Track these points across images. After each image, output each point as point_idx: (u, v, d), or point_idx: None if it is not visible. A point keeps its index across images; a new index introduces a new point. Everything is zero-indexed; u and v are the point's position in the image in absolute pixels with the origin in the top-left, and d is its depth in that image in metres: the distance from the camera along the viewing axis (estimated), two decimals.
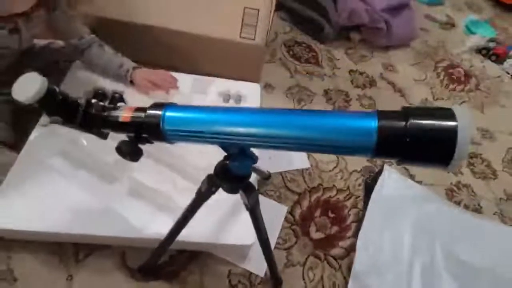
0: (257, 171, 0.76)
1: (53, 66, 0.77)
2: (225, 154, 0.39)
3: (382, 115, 0.25)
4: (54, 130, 0.64)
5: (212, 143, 0.35)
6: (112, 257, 0.64)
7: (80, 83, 0.77)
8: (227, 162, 0.38)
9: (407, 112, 0.25)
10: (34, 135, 0.65)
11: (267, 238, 0.55)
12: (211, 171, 0.42)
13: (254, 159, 0.37)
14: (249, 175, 0.41)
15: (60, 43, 0.78)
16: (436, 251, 0.63)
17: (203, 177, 0.45)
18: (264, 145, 0.32)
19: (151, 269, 0.63)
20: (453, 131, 0.23)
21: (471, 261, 0.61)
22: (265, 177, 0.79)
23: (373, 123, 0.25)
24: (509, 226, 0.82)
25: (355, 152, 0.27)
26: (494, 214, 0.87)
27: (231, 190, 0.43)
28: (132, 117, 0.36)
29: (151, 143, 0.38)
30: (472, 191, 0.91)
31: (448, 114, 0.23)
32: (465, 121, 0.23)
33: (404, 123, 0.24)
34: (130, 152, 0.36)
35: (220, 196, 0.68)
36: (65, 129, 0.40)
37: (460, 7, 1.56)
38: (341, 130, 0.26)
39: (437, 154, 0.24)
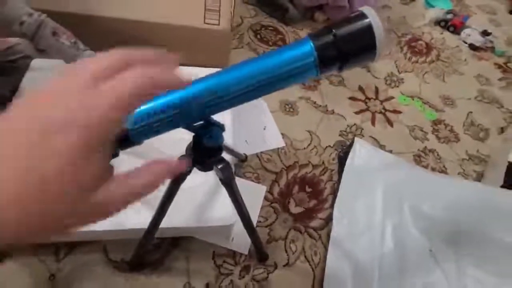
0: (234, 153, 0.77)
1: (8, 66, 0.73)
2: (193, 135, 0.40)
3: (312, 36, 0.31)
4: None
5: (175, 124, 0.35)
6: (94, 252, 0.64)
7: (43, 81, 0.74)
8: (197, 137, 0.39)
9: (330, 26, 0.31)
10: None
11: (248, 213, 0.57)
12: None
13: (221, 126, 0.39)
14: (221, 146, 0.42)
15: (13, 40, 0.74)
16: (404, 211, 0.67)
17: None
18: (223, 104, 0.33)
19: (139, 261, 0.64)
20: (368, 26, 0.29)
21: (436, 214, 0.66)
22: (242, 159, 0.81)
23: (309, 46, 0.30)
24: (470, 181, 0.88)
25: (303, 74, 0.32)
26: (458, 174, 0.93)
27: (205, 167, 0.44)
28: None
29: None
30: (438, 154, 0.97)
31: (360, 15, 0.30)
32: (374, 16, 0.29)
33: (332, 35, 0.30)
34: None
35: (196, 181, 0.70)
36: None
37: None
38: (286, 63, 0.31)
39: (364, 48, 0.30)
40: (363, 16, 0.30)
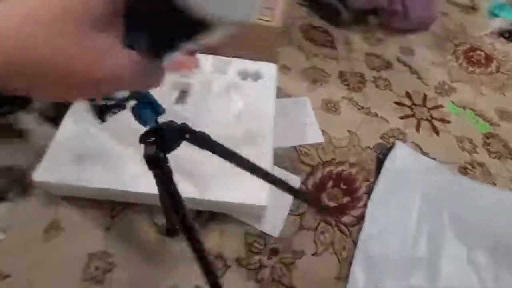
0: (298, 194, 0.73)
1: None
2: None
3: None
4: None
5: None
6: (142, 213, 0.72)
7: None
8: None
9: None
10: None
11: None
12: None
13: (158, 109, 0.34)
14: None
15: None
16: (443, 217, 0.65)
17: None
18: None
19: (174, 228, 0.70)
20: None
21: (477, 223, 0.63)
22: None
23: None
24: None
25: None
26: (509, 190, 0.87)
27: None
28: None
29: None
30: (487, 169, 0.91)
31: None
32: None
33: None
34: None
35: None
36: None
37: None
38: None
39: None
40: None
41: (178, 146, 0.40)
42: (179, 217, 0.46)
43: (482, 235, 0.62)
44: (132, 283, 0.64)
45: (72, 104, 0.74)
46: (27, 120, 0.79)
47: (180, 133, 0.40)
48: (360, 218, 0.77)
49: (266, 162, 0.73)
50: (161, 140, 0.37)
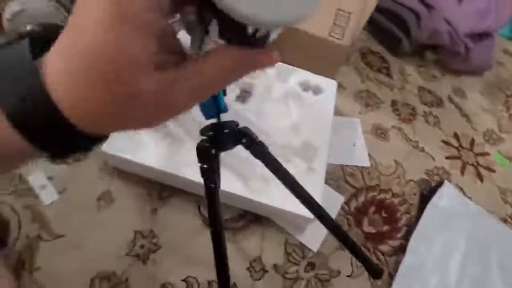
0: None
1: None
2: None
3: None
4: None
5: None
6: (190, 202, 0.73)
7: None
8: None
9: None
10: None
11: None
12: None
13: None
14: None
15: None
16: (491, 262, 0.65)
17: None
18: None
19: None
20: None
21: None
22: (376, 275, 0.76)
23: None
24: None
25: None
26: None
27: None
28: None
29: None
30: None
31: None
32: None
33: None
34: None
35: (291, 166, 0.75)
36: None
37: None
38: None
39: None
40: None
41: (233, 148, 0.40)
42: (210, 215, 0.46)
43: None
44: (172, 269, 0.65)
45: None
46: None
47: (238, 135, 0.40)
48: (398, 250, 0.77)
49: (318, 178, 0.74)
50: (217, 137, 0.38)
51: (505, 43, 1.45)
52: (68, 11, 0.68)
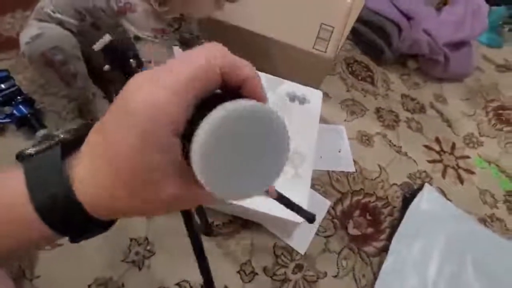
0: (302, 212, 0.81)
1: None
2: None
3: None
4: None
5: None
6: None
7: None
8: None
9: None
10: None
11: None
12: None
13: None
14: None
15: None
16: (466, 263, 0.69)
17: None
18: None
19: (208, 228, 0.75)
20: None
21: (500, 273, 0.67)
22: (309, 221, 0.83)
23: None
24: None
25: None
26: None
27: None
28: None
29: None
30: (505, 225, 0.95)
31: None
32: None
33: None
34: None
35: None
36: None
37: None
38: None
39: None
40: None
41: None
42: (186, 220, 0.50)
43: (504, 286, 0.66)
44: (167, 274, 0.69)
45: None
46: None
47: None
48: (381, 250, 0.81)
49: (304, 183, 0.78)
50: None
51: (484, 50, 1.52)
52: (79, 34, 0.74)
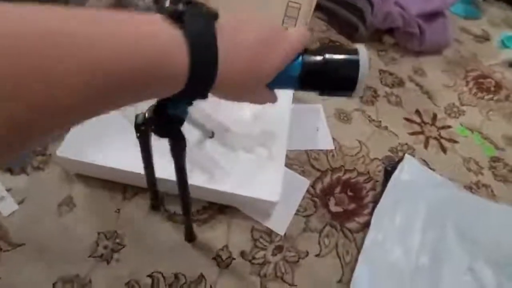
0: (203, 128, 0.78)
1: None
2: None
3: (304, 52, 0.36)
4: None
5: None
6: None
7: None
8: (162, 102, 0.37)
9: (324, 49, 0.36)
10: None
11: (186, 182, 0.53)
12: None
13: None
14: (182, 119, 0.38)
15: None
16: (447, 228, 0.67)
17: None
18: None
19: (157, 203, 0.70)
20: (356, 62, 0.33)
21: (481, 235, 0.64)
22: (209, 136, 0.79)
23: (299, 60, 0.35)
24: None
25: (283, 84, 0.36)
26: None
27: (161, 134, 0.40)
28: None
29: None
30: (492, 191, 0.93)
31: (353, 50, 0.35)
32: (365, 55, 0.34)
33: (322, 57, 0.34)
34: None
35: (251, 154, 0.77)
36: None
37: (497, 22, 1.58)
38: None
39: (345, 80, 0.35)
40: (355, 52, 0.34)
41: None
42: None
43: (486, 249, 0.63)
44: (137, 266, 0.65)
45: None
46: None
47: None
48: (365, 225, 0.78)
49: (278, 162, 0.75)
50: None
51: (461, 22, 1.50)
52: None
